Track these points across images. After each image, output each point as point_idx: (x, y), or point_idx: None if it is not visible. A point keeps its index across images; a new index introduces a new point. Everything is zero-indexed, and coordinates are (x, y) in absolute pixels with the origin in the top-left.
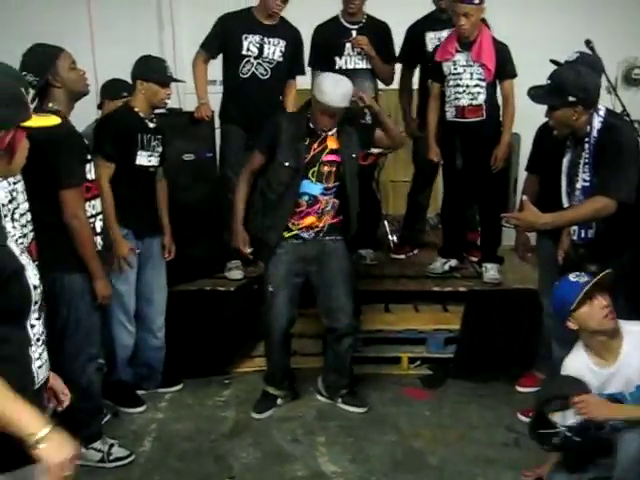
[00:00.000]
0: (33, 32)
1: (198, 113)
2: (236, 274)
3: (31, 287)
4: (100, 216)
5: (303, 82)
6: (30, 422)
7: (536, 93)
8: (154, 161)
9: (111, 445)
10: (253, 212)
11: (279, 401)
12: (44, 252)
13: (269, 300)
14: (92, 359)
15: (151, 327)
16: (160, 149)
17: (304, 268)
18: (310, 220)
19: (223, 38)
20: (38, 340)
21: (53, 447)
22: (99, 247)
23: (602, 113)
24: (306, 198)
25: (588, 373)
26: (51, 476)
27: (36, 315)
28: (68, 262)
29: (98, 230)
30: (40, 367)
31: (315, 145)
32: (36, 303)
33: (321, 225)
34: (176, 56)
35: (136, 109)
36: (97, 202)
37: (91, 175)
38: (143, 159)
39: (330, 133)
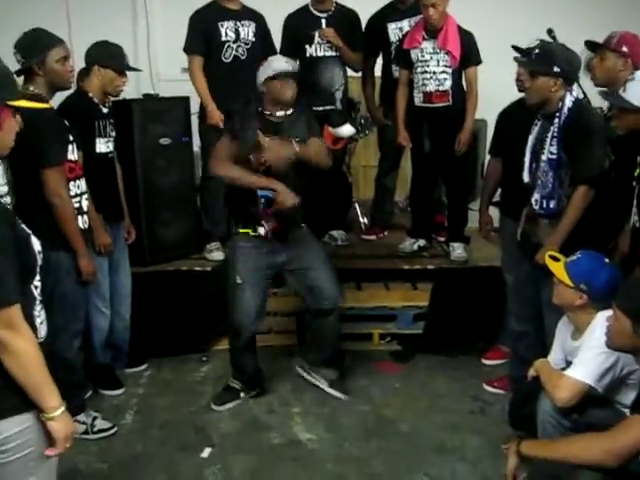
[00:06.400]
0: (9, 21)
1: (211, 120)
2: (217, 255)
3: (36, 251)
4: (86, 195)
5: None
6: (52, 396)
7: (522, 58)
8: (111, 146)
9: (94, 418)
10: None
11: (242, 394)
12: (30, 230)
13: (238, 294)
14: (77, 334)
15: (118, 310)
16: (114, 134)
17: (273, 260)
18: (272, 226)
19: (203, 32)
20: (38, 300)
21: (63, 423)
22: (85, 226)
23: (574, 94)
24: (262, 201)
25: (566, 340)
26: (58, 447)
27: (38, 277)
28: (53, 240)
29: (85, 209)
30: (41, 324)
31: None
32: (40, 267)
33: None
34: (150, 47)
35: (90, 94)
36: (82, 182)
37: (74, 156)
38: (102, 146)
39: (289, 112)
